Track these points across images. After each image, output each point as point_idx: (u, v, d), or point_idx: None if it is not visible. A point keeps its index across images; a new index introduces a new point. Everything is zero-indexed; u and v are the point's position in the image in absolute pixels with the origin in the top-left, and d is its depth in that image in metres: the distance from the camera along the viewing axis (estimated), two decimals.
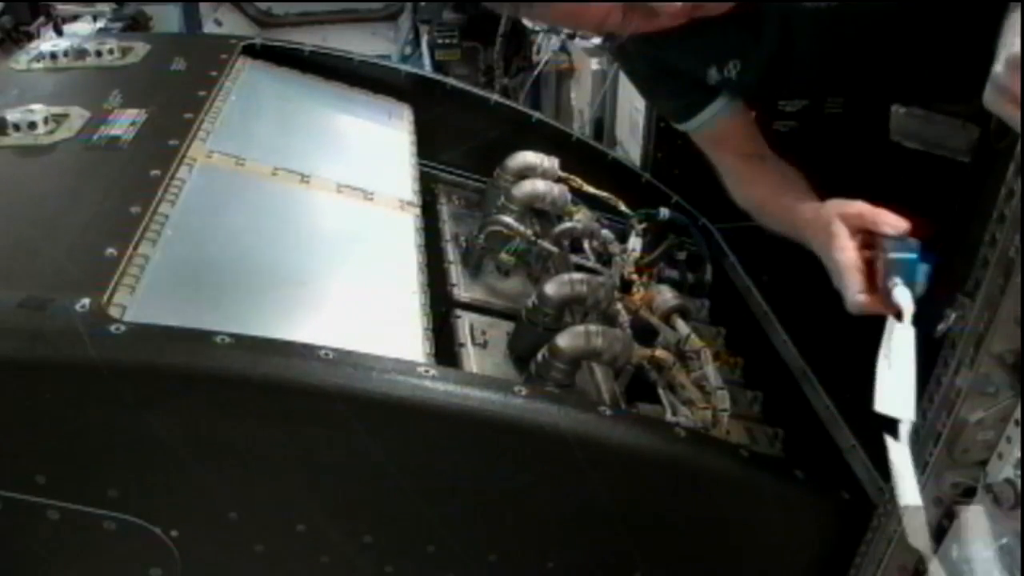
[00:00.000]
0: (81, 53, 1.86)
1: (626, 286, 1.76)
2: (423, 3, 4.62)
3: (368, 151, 1.90)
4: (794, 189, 1.42)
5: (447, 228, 1.89)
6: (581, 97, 3.38)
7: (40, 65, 1.84)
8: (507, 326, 1.59)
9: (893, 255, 1.07)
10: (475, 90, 2.24)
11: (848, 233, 1.13)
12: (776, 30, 1.39)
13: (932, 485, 1.07)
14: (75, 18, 3.84)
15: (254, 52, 2.01)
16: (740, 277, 2.05)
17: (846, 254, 1.12)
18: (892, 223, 1.10)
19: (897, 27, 1.37)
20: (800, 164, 1.66)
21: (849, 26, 1.38)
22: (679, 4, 1.23)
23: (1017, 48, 0.88)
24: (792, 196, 1.38)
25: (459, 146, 2.14)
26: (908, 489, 0.95)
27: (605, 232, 1.84)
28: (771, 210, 1.44)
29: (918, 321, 1.01)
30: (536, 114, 2.23)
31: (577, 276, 1.53)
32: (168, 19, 4.10)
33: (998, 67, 0.91)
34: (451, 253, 1.78)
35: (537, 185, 1.83)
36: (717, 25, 1.35)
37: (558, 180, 1.91)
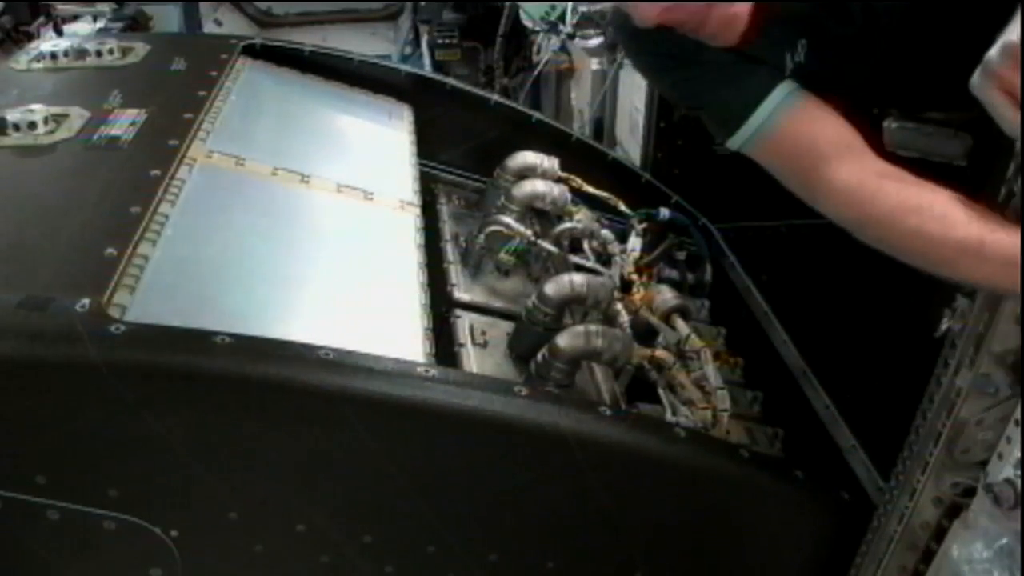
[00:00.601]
0: (81, 53, 1.86)
1: (626, 286, 1.76)
2: (423, 3, 4.62)
3: (368, 151, 1.90)
4: (1003, 219, 1.02)
5: (447, 228, 1.89)
6: (581, 97, 3.38)
7: (40, 65, 1.84)
8: (507, 326, 1.59)
9: None
10: (475, 90, 2.24)
11: None
12: (860, 10, 1.20)
13: (932, 485, 1.07)
14: (75, 18, 3.83)
15: (254, 52, 2.01)
16: (740, 277, 2.05)
17: None
18: None
19: (945, 31, 1.20)
20: None
21: (920, 26, 1.21)
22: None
23: (1015, 37, 0.87)
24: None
25: (459, 146, 2.14)
26: None
27: (605, 232, 1.84)
28: (1001, 250, 0.98)
29: (919, 321, 1.01)
30: (536, 114, 2.23)
31: (577, 276, 1.53)
32: (168, 19, 4.09)
33: (992, 52, 0.89)
34: (451, 253, 1.78)
35: (537, 185, 1.83)
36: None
37: (558, 180, 1.91)
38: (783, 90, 1.20)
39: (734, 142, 1.26)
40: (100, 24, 3.74)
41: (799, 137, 1.20)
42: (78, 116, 1.56)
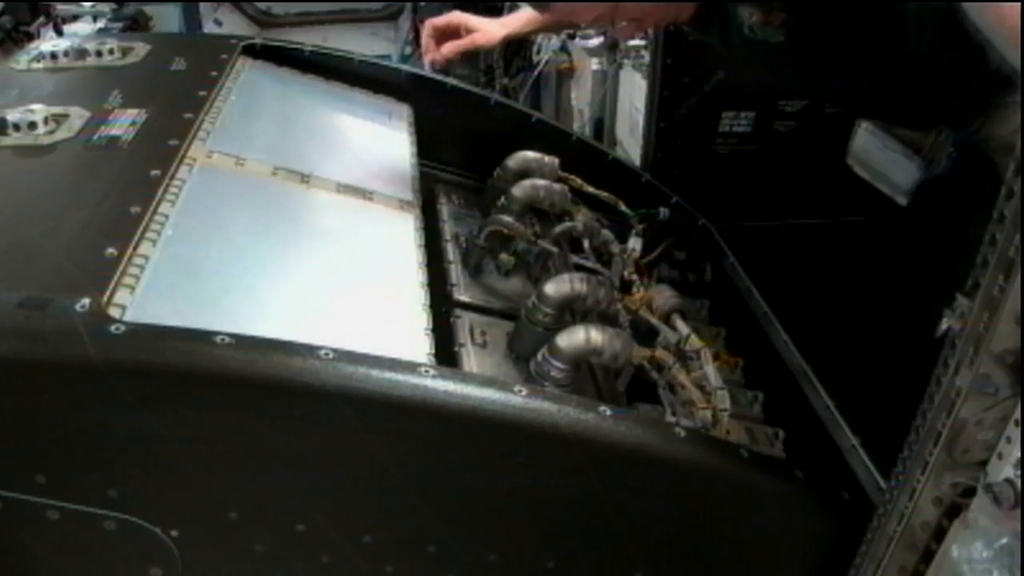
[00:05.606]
0: (81, 53, 1.86)
1: (626, 286, 1.76)
2: (423, 3, 4.62)
3: (368, 151, 1.90)
4: None
5: (447, 228, 1.88)
6: (581, 97, 3.38)
7: (40, 65, 1.84)
8: (507, 326, 1.59)
9: None
10: (475, 90, 2.24)
11: None
12: None
13: (932, 485, 1.07)
14: (75, 18, 3.84)
15: (254, 52, 2.01)
16: (740, 277, 2.05)
17: None
18: None
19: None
20: (800, 164, 1.65)
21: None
22: None
23: None
24: None
25: (459, 146, 2.14)
26: None
27: (605, 232, 1.84)
28: None
29: (919, 321, 1.01)
30: (536, 114, 2.23)
31: (577, 276, 1.53)
32: (168, 19, 4.10)
33: None
34: (451, 253, 1.78)
35: (537, 185, 1.83)
36: None
37: (558, 180, 1.91)
38: None
39: None
40: (100, 24, 3.75)
41: None
42: (78, 116, 1.56)
